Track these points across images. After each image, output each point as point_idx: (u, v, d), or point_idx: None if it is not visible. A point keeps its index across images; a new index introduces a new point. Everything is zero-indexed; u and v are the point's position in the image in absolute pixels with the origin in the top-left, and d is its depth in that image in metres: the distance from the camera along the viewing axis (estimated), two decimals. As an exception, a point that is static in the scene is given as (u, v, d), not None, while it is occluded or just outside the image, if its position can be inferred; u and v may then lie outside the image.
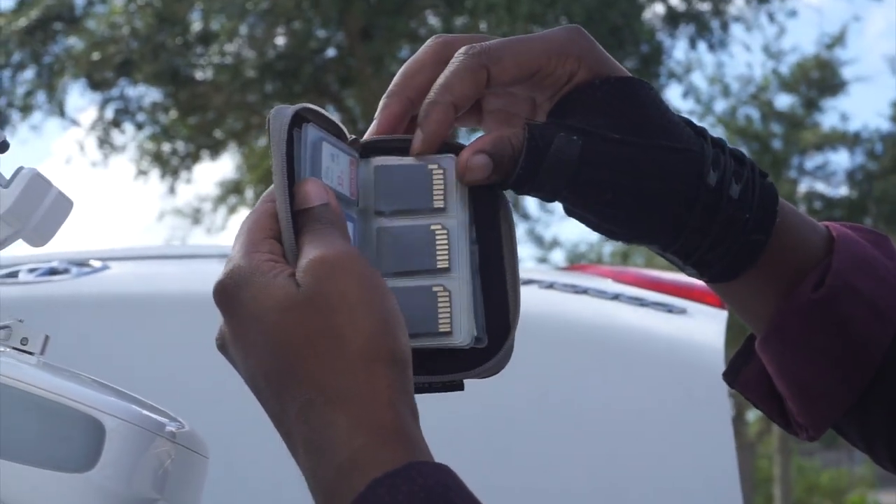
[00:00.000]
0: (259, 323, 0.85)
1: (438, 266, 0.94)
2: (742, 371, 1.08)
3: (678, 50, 30.01)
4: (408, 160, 0.95)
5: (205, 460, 1.18)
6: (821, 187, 20.34)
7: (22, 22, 15.41)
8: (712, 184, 0.96)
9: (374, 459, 0.82)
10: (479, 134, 0.98)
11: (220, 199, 18.43)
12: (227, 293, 0.87)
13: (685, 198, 0.96)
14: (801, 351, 1.01)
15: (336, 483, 0.82)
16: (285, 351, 0.85)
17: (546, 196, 0.96)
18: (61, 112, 16.11)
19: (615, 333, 2.25)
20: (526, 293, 0.97)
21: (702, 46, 18.14)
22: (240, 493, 1.96)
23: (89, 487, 1.03)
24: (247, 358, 0.87)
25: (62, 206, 1.13)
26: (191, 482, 1.16)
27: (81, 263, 2.35)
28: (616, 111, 0.95)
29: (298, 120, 0.92)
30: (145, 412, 1.10)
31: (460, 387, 0.95)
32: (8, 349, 1.13)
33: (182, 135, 16.88)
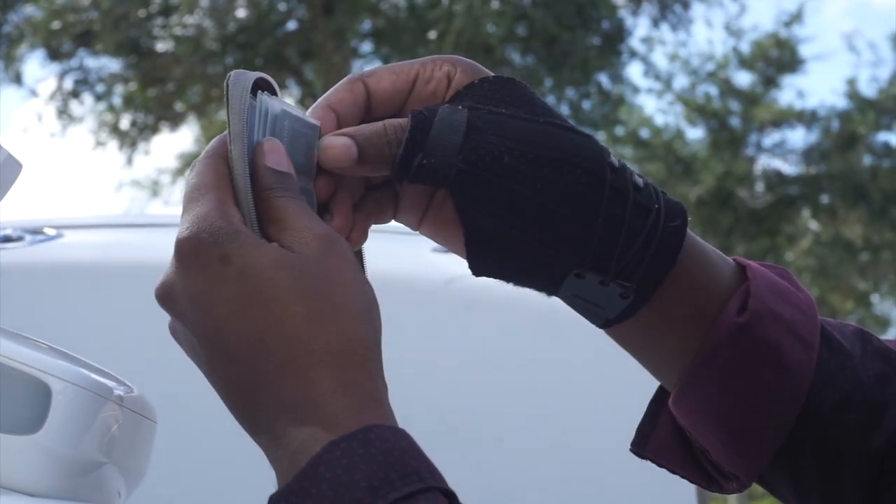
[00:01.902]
0: (245, 279, 0.84)
1: None
2: (651, 437, 1.03)
3: (641, 28, 29.99)
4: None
5: (153, 425, 1.18)
6: (778, 164, 20.44)
7: (-21, -10, 15.27)
8: (616, 164, 0.94)
9: (335, 417, 0.83)
10: None
11: (179, 172, 18.35)
12: (203, 247, 0.85)
13: (589, 175, 0.93)
14: (729, 384, 0.97)
15: (301, 444, 0.82)
16: (271, 308, 0.84)
17: (437, 176, 0.92)
18: (18, 81, 15.98)
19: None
20: None
21: (664, 25, 18.20)
22: (191, 458, 1.97)
23: (36, 449, 1.03)
24: (212, 312, 0.85)
25: (12, 168, 1.13)
26: (139, 446, 1.16)
27: (36, 231, 2.34)
28: (502, 101, 0.94)
29: (254, 88, 0.91)
30: (93, 376, 1.10)
31: None
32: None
33: (141, 106, 16.77)
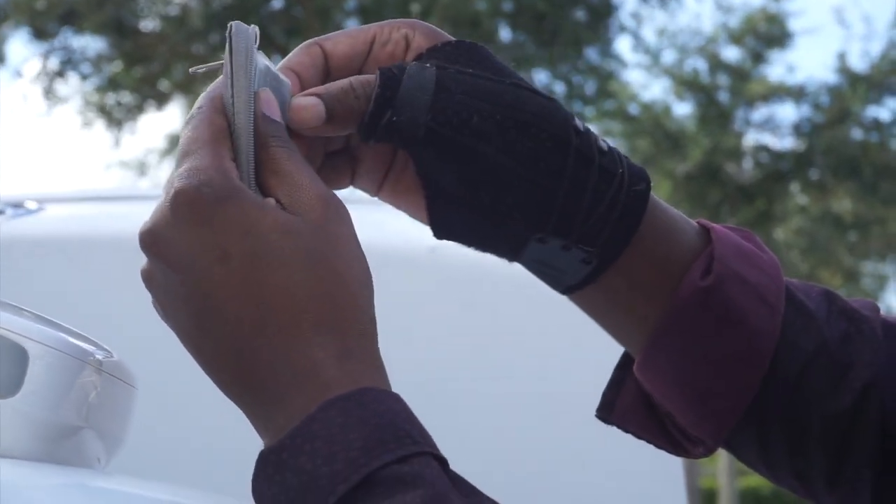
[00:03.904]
0: (248, 240, 0.83)
1: None
2: (616, 403, 1.03)
3: (629, 3, 30.03)
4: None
5: (133, 390, 1.18)
6: (767, 139, 20.46)
7: (-38, -30, 15.23)
8: (581, 127, 0.93)
9: (333, 380, 0.83)
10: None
11: (166, 152, 18.32)
12: (202, 200, 0.84)
13: (556, 139, 0.92)
14: (694, 348, 0.97)
15: (300, 406, 0.82)
16: (276, 272, 0.83)
17: (405, 135, 0.91)
18: (2, 61, 15.95)
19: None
20: None
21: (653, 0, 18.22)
22: (173, 424, 1.97)
23: (13, 413, 1.03)
24: (210, 269, 0.84)
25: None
26: (118, 411, 1.16)
27: (17, 205, 2.34)
28: (467, 64, 0.94)
29: None
30: (71, 339, 1.09)
31: None
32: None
33: (127, 86, 16.74)
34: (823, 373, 0.98)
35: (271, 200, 0.86)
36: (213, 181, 0.85)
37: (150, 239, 0.86)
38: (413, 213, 0.98)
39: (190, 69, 0.98)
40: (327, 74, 0.95)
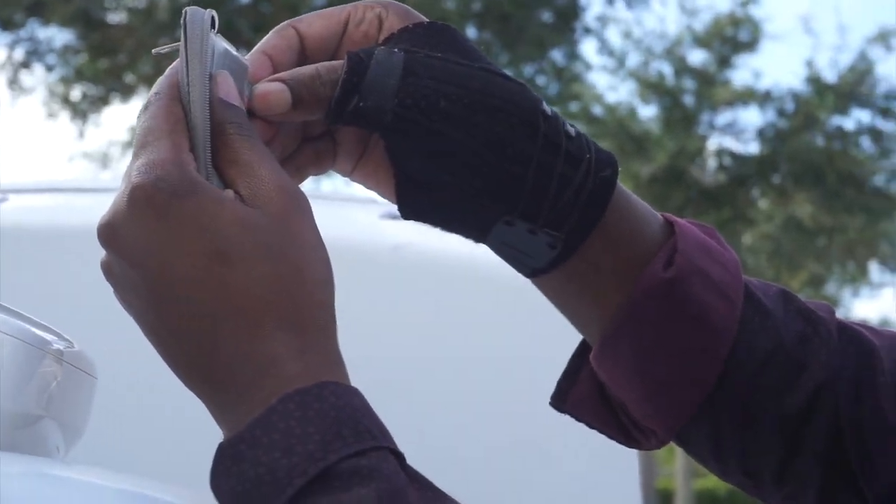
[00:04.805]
0: (208, 235, 0.83)
1: None
2: (571, 392, 1.04)
3: (595, 6, 30.10)
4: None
5: (93, 380, 1.18)
6: (731, 144, 20.53)
7: (-72, -42, 15.12)
8: (549, 112, 0.93)
9: (293, 375, 0.83)
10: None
11: (129, 144, 18.23)
12: (161, 196, 0.84)
13: (524, 123, 0.92)
14: (652, 338, 0.98)
15: (259, 399, 0.83)
16: (236, 267, 0.83)
17: (372, 120, 0.91)
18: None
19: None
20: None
21: (619, 2, 18.26)
22: (133, 416, 1.97)
23: (-28, 401, 1.03)
24: (171, 264, 0.84)
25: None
26: (78, 401, 1.16)
27: (-21, 195, 2.33)
28: (437, 46, 0.94)
29: None
30: (33, 329, 1.09)
31: None
32: None
33: (92, 78, 16.66)
34: (779, 371, 0.99)
35: (230, 193, 0.86)
36: (170, 175, 0.84)
37: (108, 233, 0.86)
38: (383, 194, 0.98)
39: (153, 50, 0.97)
40: (303, 57, 0.96)
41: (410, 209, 0.95)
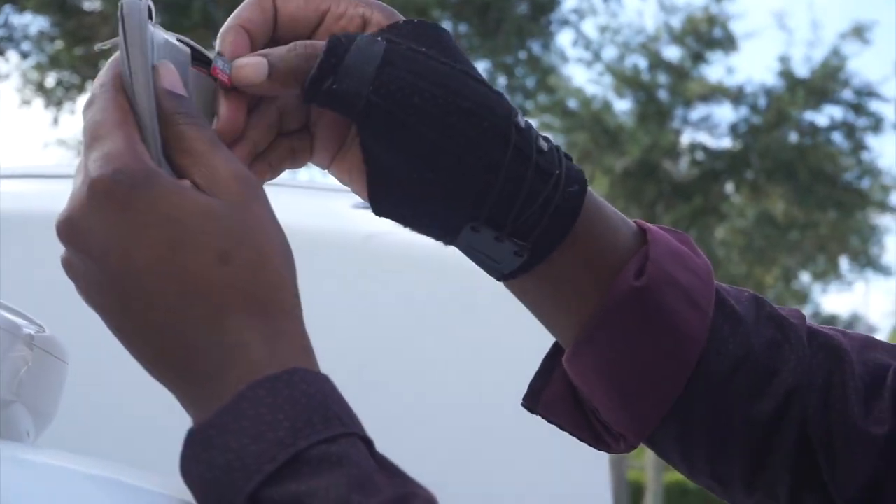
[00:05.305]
0: (169, 224, 0.83)
1: None
2: (543, 393, 1.05)
3: (571, -2, 30.14)
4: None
5: (64, 365, 1.18)
6: (704, 138, 20.59)
7: None
8: (522, 124, 0.94)
9: (261, 360, 0.83)
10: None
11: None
12: (120, 189, 0.84)
13: (496, 132, 0.93)
14: (623, 345, 0.98)
15: (227, 385, 0.83)
16: (200, 255, 0.84)
17: (345, 104, 0.91)
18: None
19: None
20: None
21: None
22: (103, 401, 1.97)
23: (-57, 385, 1.03)
24: (133, 255, 0.84)
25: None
26: (49, 386, 1.16)
27: (-49, 180, 2.32)
28: (421, 44, 0.94)
29: None
30: (4, 314, 1.09)
31: None
32: None
33: (67, 65, 16.60)
34: (749, 377, 1.00)
35: (187, 182, 0.86)
36: (127, 167, 0.84)
37: (68, 228, 0.86)
38: (357, 190, 0.99)
39: (96, 46, 0.97)
40: (275, 32, 0.96)
41: (380, 206, 0.96)
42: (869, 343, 1.03)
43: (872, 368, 1.01)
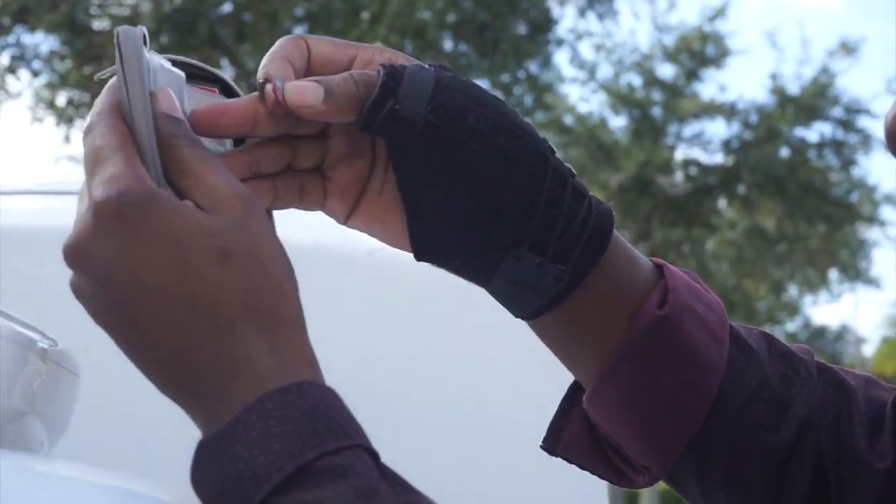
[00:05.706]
0: (175, 244, 0.84)
1: None
2: (563, 434, 1.05)
3: (568, 18, 30.13)
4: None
5: (76, 378, 1.19)
6: (697, 154, 20.61)
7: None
8: (553, 149, 0.96)
9: (267, 371, 0.84)
10: None
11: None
12: (126, 210, 0.85)
13: (538, 153, 0.95)
14: (644, 378, 0.99)
15: (237, 398, 0.84)
16: (207, 272, 0.85)
17: (406, 125, 0.93)
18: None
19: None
20: None
21: (591, 15, 18.30)
22: (115, 413, 1.97)
23: (-43, 399, 1.03)
24: (142, 275, 0.85)
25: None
26: (61, 398, 1.17)
27: (-40, 197, 2.32)
28: None
29: None
30: (18, 328, 1.10)
31: None
32: None
33: (77, 83, 16.61)
34: (765, 408, 1.02)
35: (189, 203, 0.87)
36: (132, 189, 0.85)
37: (75, 253, 0.87)
38: (387, 237, 1.00)
39: (95, 76, 0.97)
40: (308, 72, 0.97)
41: (422, 247, 0.97)
42: (871, 381, 1.06)
43: (875, 405, 1.03)
